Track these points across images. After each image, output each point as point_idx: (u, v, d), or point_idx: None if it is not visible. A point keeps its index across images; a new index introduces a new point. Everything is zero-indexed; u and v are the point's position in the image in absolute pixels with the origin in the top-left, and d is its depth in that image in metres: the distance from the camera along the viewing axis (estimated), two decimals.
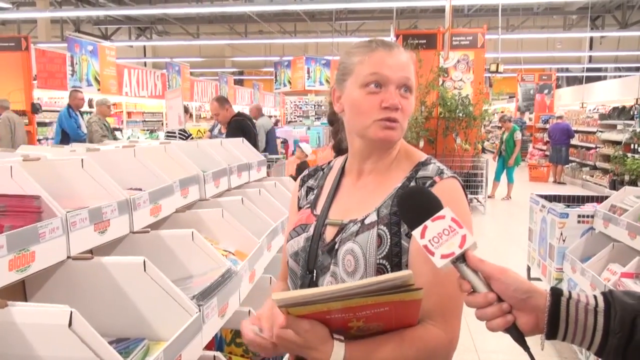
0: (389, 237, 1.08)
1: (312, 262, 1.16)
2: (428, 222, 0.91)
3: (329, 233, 1.17)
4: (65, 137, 7.40)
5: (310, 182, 1.33)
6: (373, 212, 1.12)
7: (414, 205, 0.96)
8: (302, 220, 1.24)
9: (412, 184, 1.13)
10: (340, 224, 1.16)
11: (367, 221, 1.11)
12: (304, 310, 0.92)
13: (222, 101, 5.84)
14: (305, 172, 1.37)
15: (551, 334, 0.88)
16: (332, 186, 1.25)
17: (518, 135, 10.13)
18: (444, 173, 1.14)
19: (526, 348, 0.88)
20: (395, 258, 1.07)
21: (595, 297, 0.89)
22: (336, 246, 1.13)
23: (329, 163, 1.36)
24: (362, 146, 1.19)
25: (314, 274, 1.16)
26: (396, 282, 0.89)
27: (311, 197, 1.30)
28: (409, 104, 1.14)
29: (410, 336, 1.00)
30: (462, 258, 0.90)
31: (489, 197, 9.45)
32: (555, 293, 0.89)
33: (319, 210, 1.23)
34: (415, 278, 1.08)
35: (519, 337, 0.88)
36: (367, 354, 0.98)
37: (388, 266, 1.07)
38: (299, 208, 1.31)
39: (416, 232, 0.92)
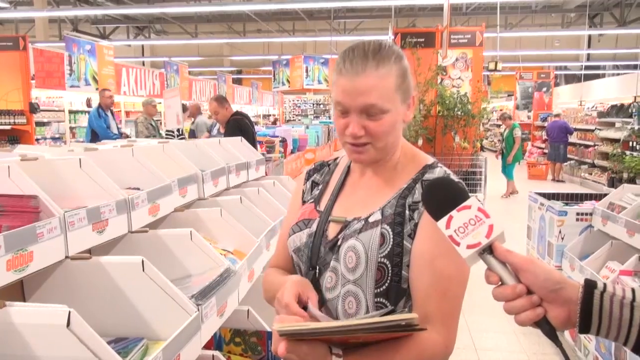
0: (391, 236, 1.09)
1: (315, 258, 1.17)
2: (453, 212, 0.89)
3: (332, 230, 1.18)
4: (95, 138, 7.31)
5: (316, 177, 1.34)
6: (377, 211, 1.13)
7: (440, 195, 0.94)
8: (304, 215, 1.25)
9: (418, 185, 1.13)
10: (344, 221, 1.17)
11: (371, 219, 1.12)
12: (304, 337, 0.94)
13: (221, 100, 5.85)
14: (312, 166, 1.38)
15: (584, 328, 0.84)
16: (338, 183, 1.26)
17: (517, 133, 10.16)
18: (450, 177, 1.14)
19: (557, 342, 0.84)
20: (396, 258, 1.08)
21: (633, 290, 0.84)
22: (339, 242, 1.14)
23: (335, 159, 1.36)
24: None
25: (317, 271, 1.17)
26: (401, 322, 0.88)
27: (315, 192, 1.30)
28: (379, 125, 1.10)
29: (407, 345, 1.00)
30: (489, 249, 0.88)
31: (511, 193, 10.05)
32: (589, 285, 0.84)
33: (322, 206, 1.24)
34: (416, 281, 1.07)
35: (550, 331, 0.85)
36: None
37: (389, 265, 1.08)
38: (303, 202, 1.31)
39: (441, 223, 0.90)
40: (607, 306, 0.83)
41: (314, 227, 1.20)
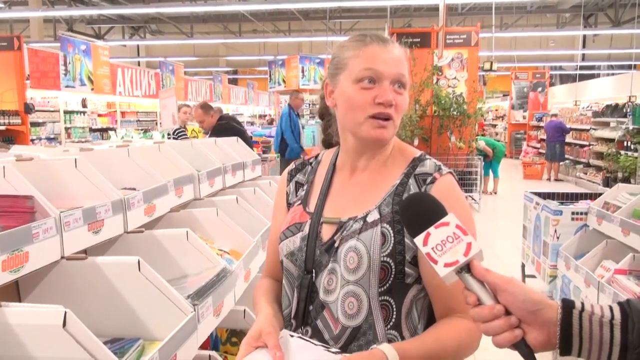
0: (392, 235, 1.07)
1: (310, 261, 1.14)
2: (431, 229, 0.86)
3: (326, 231, 1.14)
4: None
5: (299, 177, 1.29)
6: (374, 210, 1.10)
7: (417, 211, 0.91)
8: (295, 219, 1.20)
9: (411, 180, 1.12)
10: (338, 221, 1.13)
11: (369, 219, 1.10)
12: None
13: (206, 108, 5.77)
14: (292, 165, 1.32)
15: (565, 350, 0.81)
16: (325, 182, 1.22)
17: (480, 145, 10.03)
18: (442, 169, 1.14)
19: None
20: (399, 256, 1.07)
21: (610, 307, 0.82)
22: (336, 244, 1.11)
23: (316, 157, 1.32)
24: (355, 143, 1.17)
25: (313, 274, 1.13)
26: None
27: (301, 192, 1.26)
28: (403, 100, 1.12)
29: (456, 332, 1.05)
30: (467, 268, 0.85)
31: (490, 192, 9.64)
32: (567, 305, 0.82)
33: (311, 207, 1.20)
34: (432, 279, 1.07)
35: (528, 353, 0.82)
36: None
37: (392, 264, 1.07)
38: (289, 204, 1.27)
39: (418, 240, 0.87)
40: (587, 326, 0.80)
41: (306, 229, 1.16)
